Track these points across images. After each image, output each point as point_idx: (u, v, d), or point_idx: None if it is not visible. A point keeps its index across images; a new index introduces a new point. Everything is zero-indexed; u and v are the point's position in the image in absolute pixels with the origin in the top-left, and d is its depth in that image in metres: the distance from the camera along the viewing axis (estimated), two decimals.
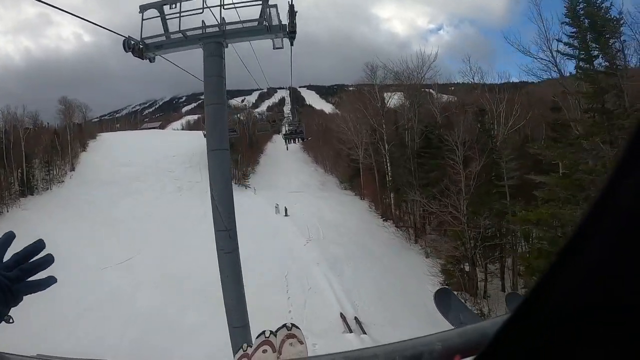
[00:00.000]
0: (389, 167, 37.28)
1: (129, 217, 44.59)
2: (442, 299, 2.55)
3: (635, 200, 0.30)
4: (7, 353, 1.01)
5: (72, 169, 62.11)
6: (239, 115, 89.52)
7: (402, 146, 35.52)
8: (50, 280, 1.11)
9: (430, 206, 27.86)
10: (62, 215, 45.40)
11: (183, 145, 71.06)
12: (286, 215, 37.72)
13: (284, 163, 70.09)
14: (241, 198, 51.61)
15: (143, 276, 28.64)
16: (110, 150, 70.44)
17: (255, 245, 30.77)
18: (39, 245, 1.13)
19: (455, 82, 46.29)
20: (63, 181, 57.12)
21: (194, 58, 8.02)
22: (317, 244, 29.60)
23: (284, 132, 29.48)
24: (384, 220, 36.80)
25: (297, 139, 30.11)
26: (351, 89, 59.54)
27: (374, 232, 32.74)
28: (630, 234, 0.30)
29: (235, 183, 56.14)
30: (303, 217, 36.94)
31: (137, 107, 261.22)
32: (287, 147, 32.80)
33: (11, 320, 1.02)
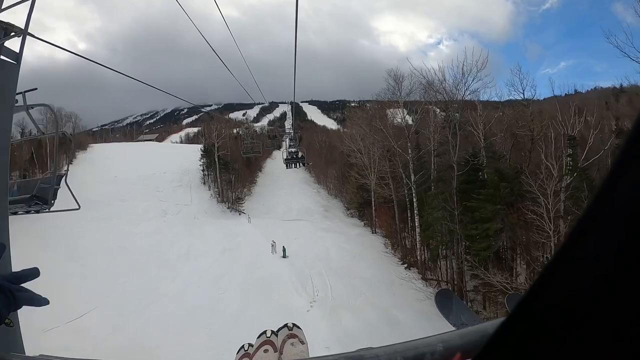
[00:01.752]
0: (415, 202, 29.91)
1: (99, 249, 36.86)
2: (444, 300, 2.21)
3: (633, 199, 0.30)
4: (9, 353, 1.01)
5: None
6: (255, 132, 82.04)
7: (439, 180, 27.96)
8: (43, 301, 1.13)
9: (484, 274, 20.13)
10: (22, 241, 37.80)
11: (176, 161, 63.74)
12: (284, 256, 30.26)
13: (284, 183, 62.95)
14: (234, 227, 44.17)
15: (92, 346, 21.08)
16: (98, 163, 63.56)
17: (242, 305, 23.35)
18: (34, 272, 1.16)
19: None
20: None
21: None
22: (324, 308, 22.04)
23: (285, 156, 26.78)
24: (405, 267, 29.22)
25: (297, 164, 28.15)
26: (368, 105, 52.00)
27: (397, 289, 25.17)
28: (628, 233, 0.30)
29: (228, 208, 48.78)
30: (305, 260, 29.55)
31: (139, 118, 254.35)
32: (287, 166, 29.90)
33: (11, 324, 1.06)
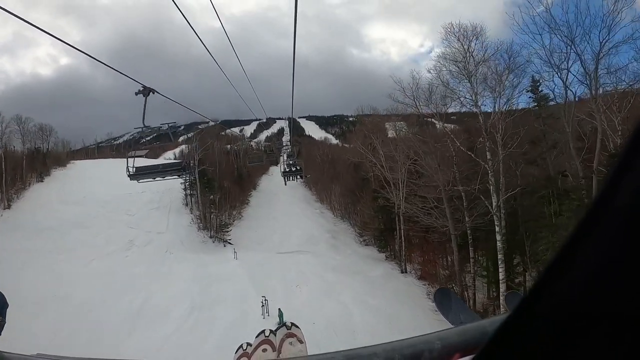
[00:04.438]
0: (500, 235, 18.77)
1: (39, 297, 25.24)
2: (442, 299, 2.29)
3: (634, 199, 0.29)
4: (6, 352, 1.00)
5: (8, 206, 43.98)
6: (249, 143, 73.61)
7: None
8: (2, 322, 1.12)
9: None
10: None
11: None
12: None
13: (282, 203, 51.77)
14: (214, 267, 29.81)
15: None
16: (72, 181, 52.72)
17: None
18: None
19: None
20: None
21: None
22: None
23: (282, 169, 22.79)
24: None
25: (296, 177, 24.32)
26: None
27: None
28: (630, 233, 0.29)
29: (211, 237, 37.40)
30: (313, 332, 18.01)
31: (135, 135, 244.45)
32: (285, 182, 25.08)
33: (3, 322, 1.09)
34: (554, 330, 0.31)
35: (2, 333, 1.18)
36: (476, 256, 21.04)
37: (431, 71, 23.09)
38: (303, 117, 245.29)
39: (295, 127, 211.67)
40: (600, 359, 0.30)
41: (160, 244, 35.76)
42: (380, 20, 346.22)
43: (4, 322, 1.05)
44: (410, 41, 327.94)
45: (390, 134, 38.99)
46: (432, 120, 30.24)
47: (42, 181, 51.98)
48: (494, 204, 19.21)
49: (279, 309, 19.08)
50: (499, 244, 18.60)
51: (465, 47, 21.00)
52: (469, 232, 21.01)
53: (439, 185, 21.13)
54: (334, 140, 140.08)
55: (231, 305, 21.70)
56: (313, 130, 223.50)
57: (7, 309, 1.25)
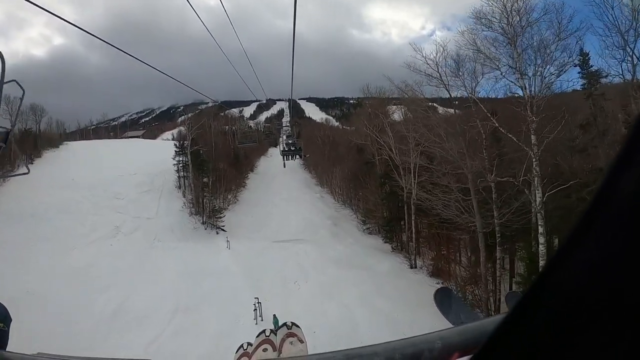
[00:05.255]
0: (542, 234, 15.58)
1: (7, 295, 22.41)
2: (442, 298, 2.24)
3: (634, 196, 0.29)
4: (7, 351, 0.98)
5: None
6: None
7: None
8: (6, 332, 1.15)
9: None
10: None
11: (154, 160, 48.86)
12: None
13: (281, 186, 48.67)
14: (204, 259, 23.40)
15: None
16: (62, 163, 49.37)
17: None
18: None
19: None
20: None
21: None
22: None
23: (281, 148, 22.21)
24: None
25: (295, 156, 24.10)
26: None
27: None
28: (629, 231, 0.29)
29: (203, 223, 34.42)
30: (314, 341, 15.24)
31: (134, 116, 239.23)
32: (284, 165, 25.38)
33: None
34: (553, 328, 0.31)
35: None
36: (503, 258, 18.04)
37: (464, 33, 19.11)
38: (303, 99, 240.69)
39: (296, 109, 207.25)
40: (600, 354, 0.29)
41: (148, 230, 32.78)
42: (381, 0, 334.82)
43: (8, 333, 1.01)
44: (412, 23, 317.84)
45: (397, 116, 35.60)
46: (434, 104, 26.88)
47: (31, 163, 48.58)
48: (538, 199, 15.86)
49: (274, 315, 16.06)
50: (541, 248, 15.23)
51: (509, 5, 17.22)
52: (497, 229, 17.82)
53: (465, 173, 17.83)
54: (334, 123, 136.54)
55: (220, 307, 18.79)
56: (313, 112, 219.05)
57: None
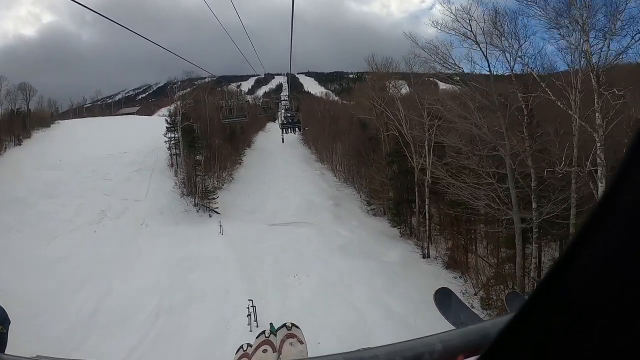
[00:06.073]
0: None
1: None
2: (442, 299, 2.17)
3: (638, 199, 0.28)
4: (6, 354, 0.98)
5: None
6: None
7: None
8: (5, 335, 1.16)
9: None
10: None
11: (147, 137, 45.45)
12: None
13: (279, 162, 45.54)
14: (195, 245, 19.74)
15: None
16: (51, 143, 45.90)
17: None
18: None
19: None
20: None
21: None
22: None
23: (280, 121, 22.95)
24: None
25: (294, 129, 24.75)
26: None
27: None
28: (635, 233, 0.28)
29: (195, 205, 31.61)
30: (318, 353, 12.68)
31: (131, 93, 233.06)
32: (282, 140, 25.15)
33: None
34: (560, 328, 0.31)
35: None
36: (539, 256, 15.24)
37: None
38: (302, 73, 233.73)
39: (294, 83, 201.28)
40: (607, 355, 0.29)
41: (136, 214, 30.04)
42: None
43: (6, 335, 1.03)
44: None
45: (404, 90, 32.25)
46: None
47: (20, 144, 45.16)
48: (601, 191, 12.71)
49: (271, 323, 13.48)
50: None
51: None
52: (535, 224, 14.86)
53: (502, 157, 14.61)
54: (334, 97, 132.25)
55: (210, 306, 16.15)
56: (312, 86, 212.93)
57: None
